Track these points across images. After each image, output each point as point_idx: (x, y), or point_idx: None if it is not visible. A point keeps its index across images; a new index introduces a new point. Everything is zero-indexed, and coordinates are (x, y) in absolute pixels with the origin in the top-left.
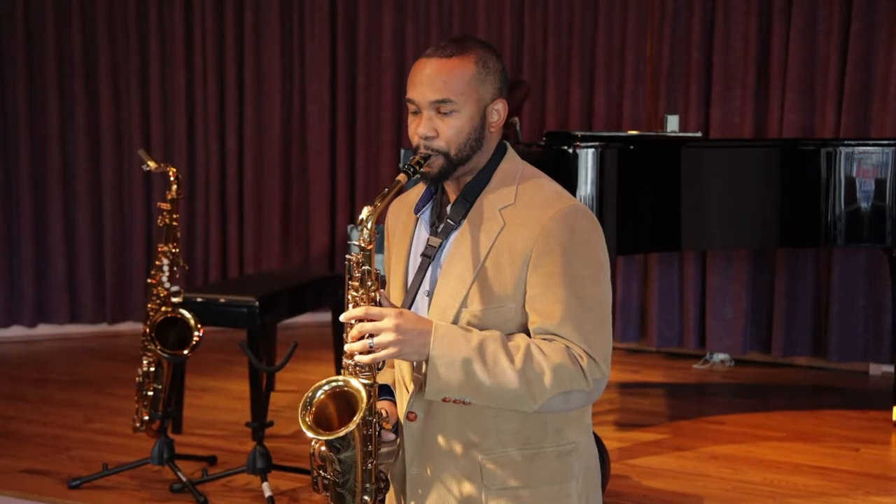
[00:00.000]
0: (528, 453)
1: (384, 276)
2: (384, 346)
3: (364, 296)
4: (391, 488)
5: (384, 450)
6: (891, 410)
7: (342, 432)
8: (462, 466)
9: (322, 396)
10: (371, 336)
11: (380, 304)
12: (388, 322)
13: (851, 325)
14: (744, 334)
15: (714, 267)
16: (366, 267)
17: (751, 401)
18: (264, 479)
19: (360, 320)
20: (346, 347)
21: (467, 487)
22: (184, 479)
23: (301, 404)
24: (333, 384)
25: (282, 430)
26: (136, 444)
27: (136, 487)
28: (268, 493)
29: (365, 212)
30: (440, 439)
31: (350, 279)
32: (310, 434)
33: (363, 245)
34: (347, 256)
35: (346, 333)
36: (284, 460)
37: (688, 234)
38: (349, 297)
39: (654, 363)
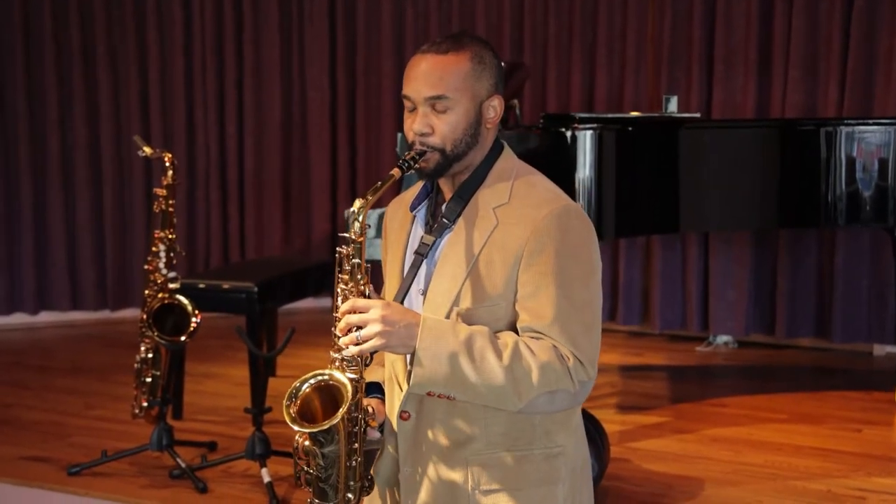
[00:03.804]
0: (515, 455)
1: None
2: (370, 338)
3: (353, 289)
4: (378, 485)
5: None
6: (894, 391)
7: (326, 425)
8: (451, 467)
9: (307, 390)
10: (358, 328)
11: (368, 297)
12: (374, 313)
13: (855, 306)
14: (747, 316)
15: (716, 249)
16: (356, 260)
17: (753, 383)
18: (263, 465)
19: (349, 313)
20: (337, 340)
21: (456, 488)
22: (183, 465)
23: (286, 396)
24: (319, 378)
25: (281, 416)
26: (135, 430)
27: (135, 474)
28: (266, 479)
29: (356, 205)
30: (431, 439)
31: (340, 272)
32: (294, 426)
33: (354, 238)
34: (338, 249)
35: (335, 328)
36: (284, 446)
37: (686, 216)
38: (338, 290)
39: (656, 346)
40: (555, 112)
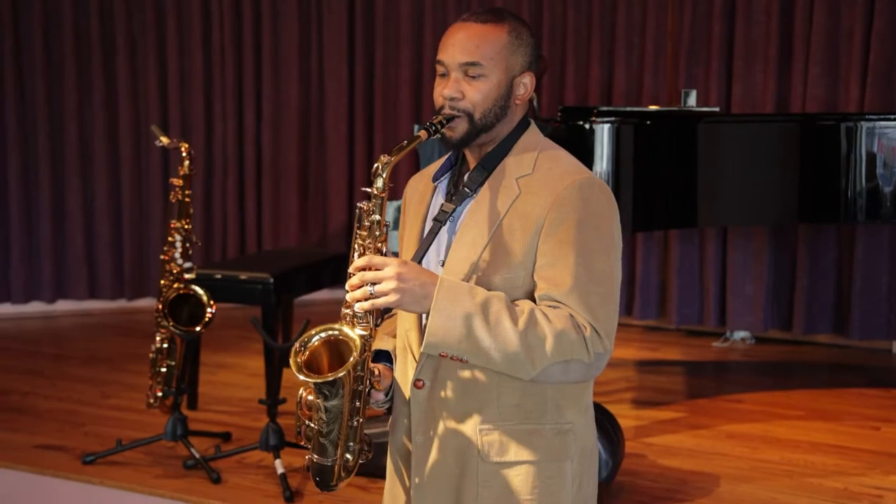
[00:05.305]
0: (526, 428)
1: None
2: (384, 294)
3: (371, 245)
4: (392, 462)
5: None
6: None
7: (331, 377)
8: (462, 437)
9: (317, 343)
10: (372, 284)
11: (385, 255)
12: (389, 270)
13: (874, 303)
14: (764, 312)
15: (735, 244)
16: (376, 216)
17: (770, 379)
18: (277, 456)
19: (364, 269)
20: (347, 296)
21: (465, 458)
22: (197, 455)
23: (295, 347)
24: (329, 332)
25: (295, 408)
26: (150, 420)
27: (149, 463)
28: (280, 470)
29: (381, 160)
30: (443, 409)
31: (359, 227)
32: (300, 376)
33: (375, 193)
34: (359, 205)
35: (348, 282)
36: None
37: (704, 210)
38: (356, 245)
39: (673, 341)
40: (573, 105)
